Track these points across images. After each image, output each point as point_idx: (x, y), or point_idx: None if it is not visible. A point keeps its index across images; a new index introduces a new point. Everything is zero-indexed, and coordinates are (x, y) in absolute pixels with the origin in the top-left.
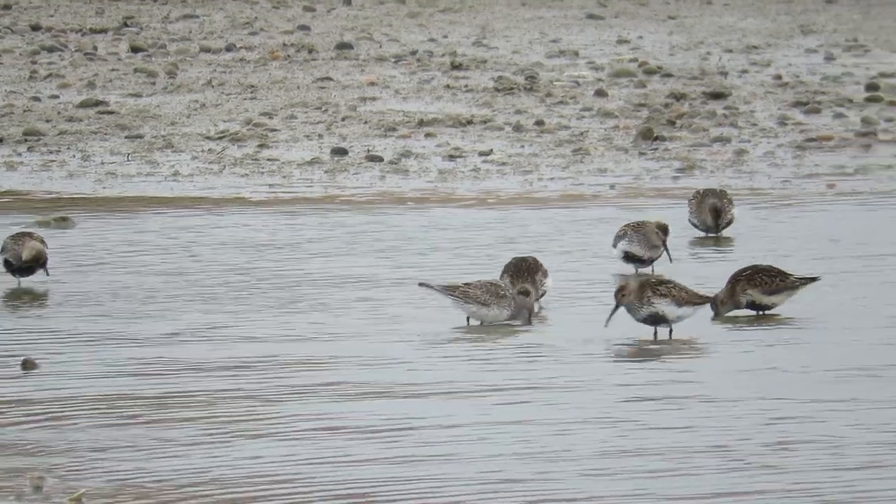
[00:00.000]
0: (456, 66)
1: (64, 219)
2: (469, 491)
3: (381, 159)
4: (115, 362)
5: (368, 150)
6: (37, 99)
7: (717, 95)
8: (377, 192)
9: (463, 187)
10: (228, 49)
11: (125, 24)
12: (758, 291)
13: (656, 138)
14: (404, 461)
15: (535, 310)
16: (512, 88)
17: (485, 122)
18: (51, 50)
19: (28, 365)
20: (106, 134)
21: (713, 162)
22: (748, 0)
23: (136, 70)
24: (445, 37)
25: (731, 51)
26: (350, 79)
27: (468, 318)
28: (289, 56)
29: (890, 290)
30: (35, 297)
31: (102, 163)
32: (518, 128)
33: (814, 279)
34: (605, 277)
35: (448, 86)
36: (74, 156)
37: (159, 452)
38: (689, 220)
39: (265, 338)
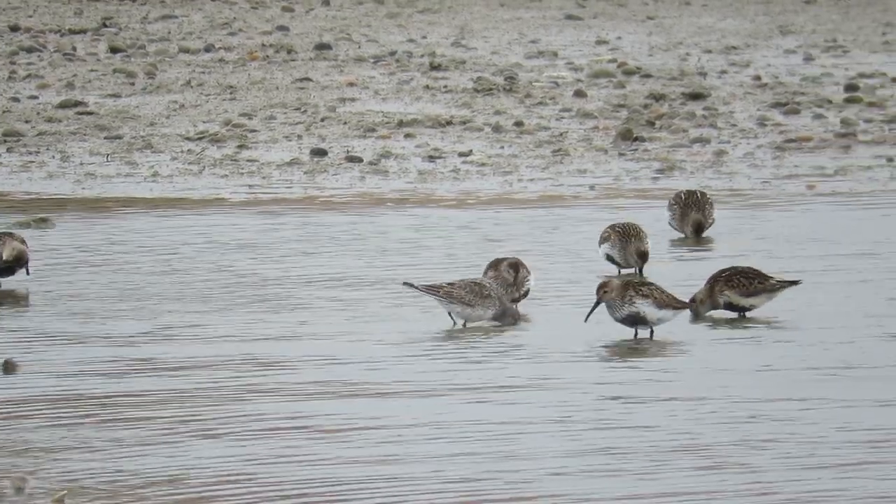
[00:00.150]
0: (435, 67)
1: (44, 219)
2: (433, 489)
3: (360, 160)
4: (85, 362)
5: (348, 151)
6: (16, 99)
7: (697, 96)
8: (357, 192)
9: (443, 188)
10: (207, 50)
11: (104, 25)
12: (735, 293)
13: (636, 139)
14: (372, 461)
15: (519, 314)
16: (491, 89)
17: (464, 122)
18: (30, 50)
19: (9, 367)
20: (85, 135)
21: (693, 163)
22: (727, 1)
23: (115, 70)
24: (424, 37)
25: (710, 51)
26: (329, 79)
27: (451, 317)
28: (268, 57)
29: (869, 291)
30: (15, 298)
31: (82, 163)
32: (497, 128)
33: (794, 283)
34: (585, 278)
35: (427, 86)
36: (54, 156)
37: (115, 453)
38: (670, 223)
39: (236, 337)
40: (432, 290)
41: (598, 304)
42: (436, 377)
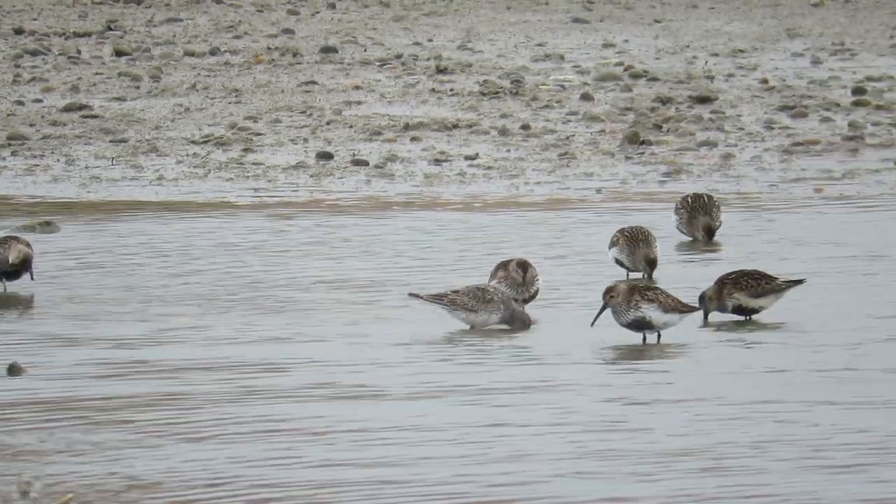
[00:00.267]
0: (441, 70)
1: (48, 223)
2: (437, 493)
3: (366, 163)
4: (89, 364)
5: (354, 155)
6: (20, 103)
7: (704, 99)
8: (363, 196)
9: (449, 191)
10: (212, 53)
11: (109, 28)
12: (744, 294)
13: (643, 142)
14: (371, 464)
15: (530, 318)
16: (497, 92)
17: (470, 126)
18: (34, 54)
19: (14, 370)
20: (90, 138)
21: (700, 166)
22: (734, 4)
23: (120, 74)
24: (430, 41)
25: (717, 55)
26: (335, 83)
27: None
28: (273, 60)
29: (875, 294)
30: (20, 301)
31: (87, 167)
32: (504, 132)
33: (799, 282)
34: (592, 281)
35: (433, 90)
36: (59, 160)
37: (97, 456)
38: (678, 227)
39: (237, 340)
40: (437, 299)
41: (604, 308)
42: (441, 379)
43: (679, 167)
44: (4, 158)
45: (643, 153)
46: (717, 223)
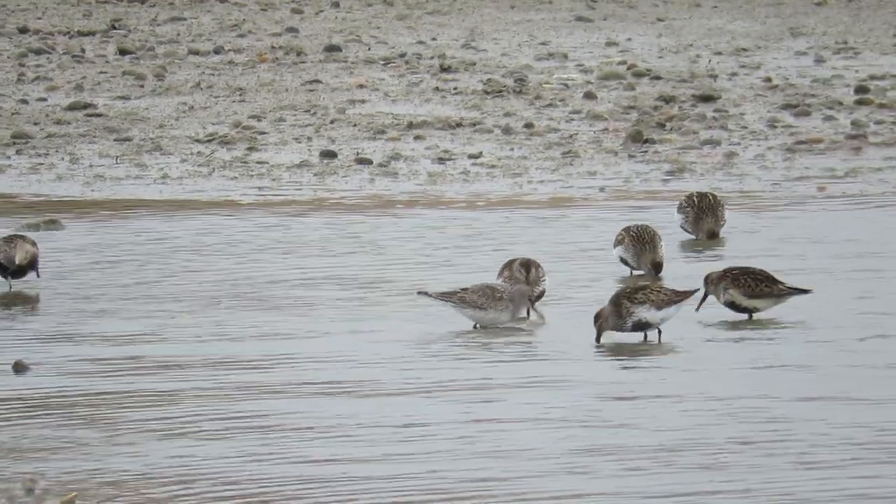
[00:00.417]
0: (445, 69)
1: (53, 221)
2: (435, 488)
3: (370, 162)
4: (91, 362)
5: (358, 153)
6: (25, 101)
7: (707, 98)
8: (367, 194)
9: (452, 190)
10: (217, 51)
11: (113, 27)
12: (739, 293)
13: (646, 141)
14: (371, 460)
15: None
16: (501, 91)
17: (474, 124)
18: (38, 52)
19: (19, 367)
20: (94, 137)
21: (703, 164)
22: (737, 2)
23: (124, 73)
24: (434, 39)
25: (720, 53)
26: (339, 81)
27: (475, 323)
28: (277, 58)
29: (877, 292)
30: (25, 300)
31: (91, 165)
32: (507, 130)
33: (805, 291)
34: (596, 280)
35: (437, 88)
36: (63, 158)
37: (76, 452)
38: (682, 226)
39: (234, 338)
40: (446, 297)
41: (600, 332)
42: (436, 376)
43: (682, 166)
44: (9, 157)
45: (646, 152)
46: (722, 222)
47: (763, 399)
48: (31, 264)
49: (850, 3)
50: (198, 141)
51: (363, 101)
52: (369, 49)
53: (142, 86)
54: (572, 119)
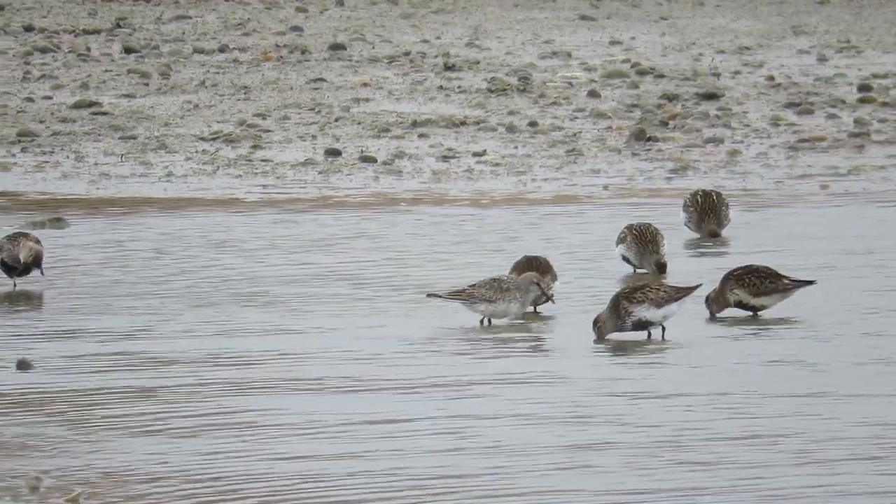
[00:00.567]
0: (449, 67)
1: (58, 219)
2: (428, 486)
3: (374, 160)
4: (93, 359)
5: (362, 151)
6: (30, 100)
7: (710, 96)
8: (371, 192)
9: (456, 188)
10: (221, 50)
11: (118, 26)
12: (745, 292)
13: (649, 139)
14: (367, 457)
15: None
16: (505, 89)
17: (478, 122)
18: (44, 51)
19: (23, 365)
20: (99, 135)
21: (706, 163)
22: (740, 1)
23: (129, 71)
24: (438, 38)
25: (723, 52)
26: (343, 80)
27: (484, 320)
28: (282, 57)
29: (880, 289)
30: (30, 298)
31: (96, 163)
32: (511, 129)
33: (809, 283)
34: (600, 277)
35: (441, 87)
36: (68, 156)
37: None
38: (686, 224)
39: (236, 335)
40: (455, 295)
41: (600, 335)
42: (430, 372)
43: (686, 164)
44: (14, 155)
45: (650, 150)
46: (726, 222)
47: (763, 398)
48: (36, 262)
49: (852, 2)
50: (202, 139)
51: (367, 100)
52: (374, 48)
53: (147, 84)
54: (576, 117)
